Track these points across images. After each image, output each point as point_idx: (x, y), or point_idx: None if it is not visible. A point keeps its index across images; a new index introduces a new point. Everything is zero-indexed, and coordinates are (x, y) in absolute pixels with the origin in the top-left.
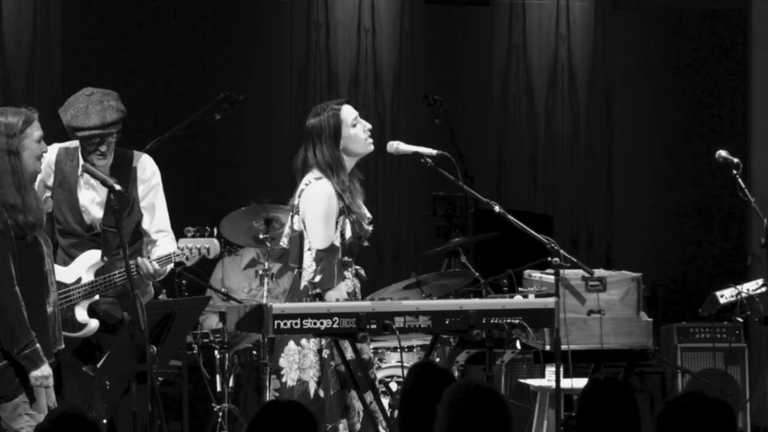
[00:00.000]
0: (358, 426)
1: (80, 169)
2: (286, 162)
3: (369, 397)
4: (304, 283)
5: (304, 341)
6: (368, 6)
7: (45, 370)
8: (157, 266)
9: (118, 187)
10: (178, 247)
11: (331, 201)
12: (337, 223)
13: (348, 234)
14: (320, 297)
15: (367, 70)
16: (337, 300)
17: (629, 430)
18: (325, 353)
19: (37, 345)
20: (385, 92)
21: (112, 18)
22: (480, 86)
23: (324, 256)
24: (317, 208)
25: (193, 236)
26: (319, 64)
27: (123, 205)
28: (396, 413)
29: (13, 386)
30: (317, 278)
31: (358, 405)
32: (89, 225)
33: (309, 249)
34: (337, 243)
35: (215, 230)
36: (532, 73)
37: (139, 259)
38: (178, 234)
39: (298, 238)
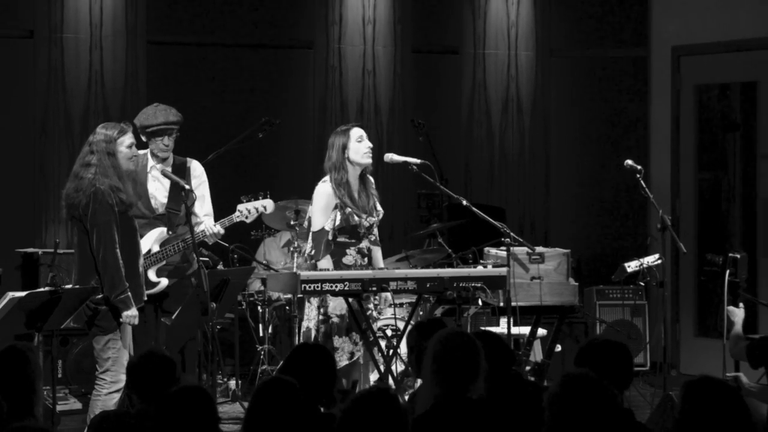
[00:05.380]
0: (344, 363)
1: (149, 167)
2: (309, 169)
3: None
4: (305, 255)
5: (312, 300)
6: (370, 55)
7: (134, 311)
8: (219, 227)
9: (187, 186)
10: (238, 210)
11: (328, 198)
12: (333, 213)
13: (337, 222)
14: (314, 266)
15: (370, 101)
16: (326, 269)
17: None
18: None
19: (129, 293)
20: (382, 118)
21: (185, 62)
22: (451, 113)
23: (316, 236)
24: (314, 202)
25: (248, 201)
26: (334, 97)
27: (190, 199)
28: (391, 351)
29: (113, 324)
30: (312, 252)
31: (347, 347)
32: (155, 208)
33: (310, 232)
34: (327, 228)
35: (268, 193)
36: (490, 103)
37: (205, 225)
38: (235, 201)
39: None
